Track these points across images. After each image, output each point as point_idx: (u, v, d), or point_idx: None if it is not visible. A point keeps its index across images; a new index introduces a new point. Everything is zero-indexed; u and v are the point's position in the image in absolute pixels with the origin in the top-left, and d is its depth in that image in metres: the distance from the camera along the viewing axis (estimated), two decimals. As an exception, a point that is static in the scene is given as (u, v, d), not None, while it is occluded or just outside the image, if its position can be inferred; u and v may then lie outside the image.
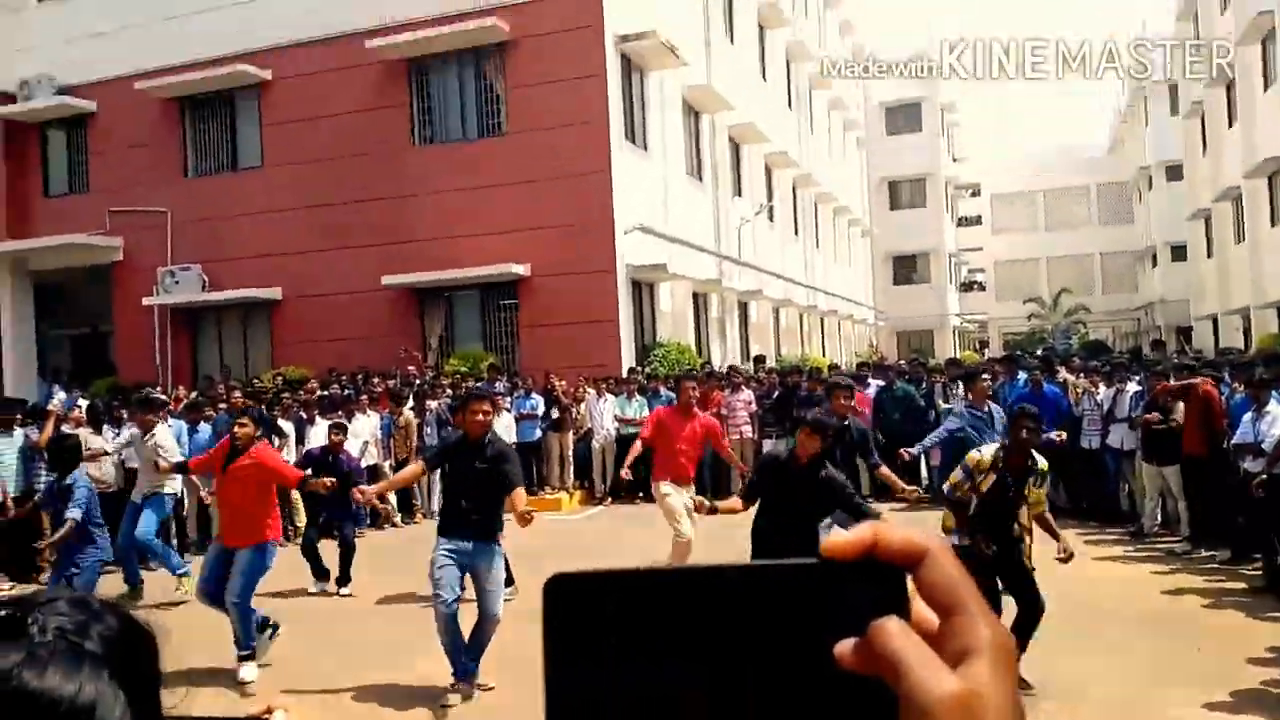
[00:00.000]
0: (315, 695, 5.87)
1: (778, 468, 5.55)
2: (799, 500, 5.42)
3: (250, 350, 17.95)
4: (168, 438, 9.18)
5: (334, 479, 7.06)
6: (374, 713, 5.57)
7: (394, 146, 16.72)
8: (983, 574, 5.58)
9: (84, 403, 12.76)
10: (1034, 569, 5.51)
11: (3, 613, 0.68)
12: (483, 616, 5.70)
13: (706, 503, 6.02)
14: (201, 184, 18.22)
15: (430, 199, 16.28)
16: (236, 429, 6.55)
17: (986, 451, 5.62)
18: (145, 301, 17.73)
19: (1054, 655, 5.65)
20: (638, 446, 7.57)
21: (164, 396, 11.50)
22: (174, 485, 9.12)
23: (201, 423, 10.92)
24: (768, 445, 12.60)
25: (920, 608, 0.44)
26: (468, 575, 5.74)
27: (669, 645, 0.43)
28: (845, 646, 0.42)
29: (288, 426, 11.60)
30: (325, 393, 13.09)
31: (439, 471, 6.65)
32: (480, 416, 5.75)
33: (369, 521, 11.15)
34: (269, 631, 6.57)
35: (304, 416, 11.89)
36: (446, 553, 5.62)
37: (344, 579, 8.60)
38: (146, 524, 8.67)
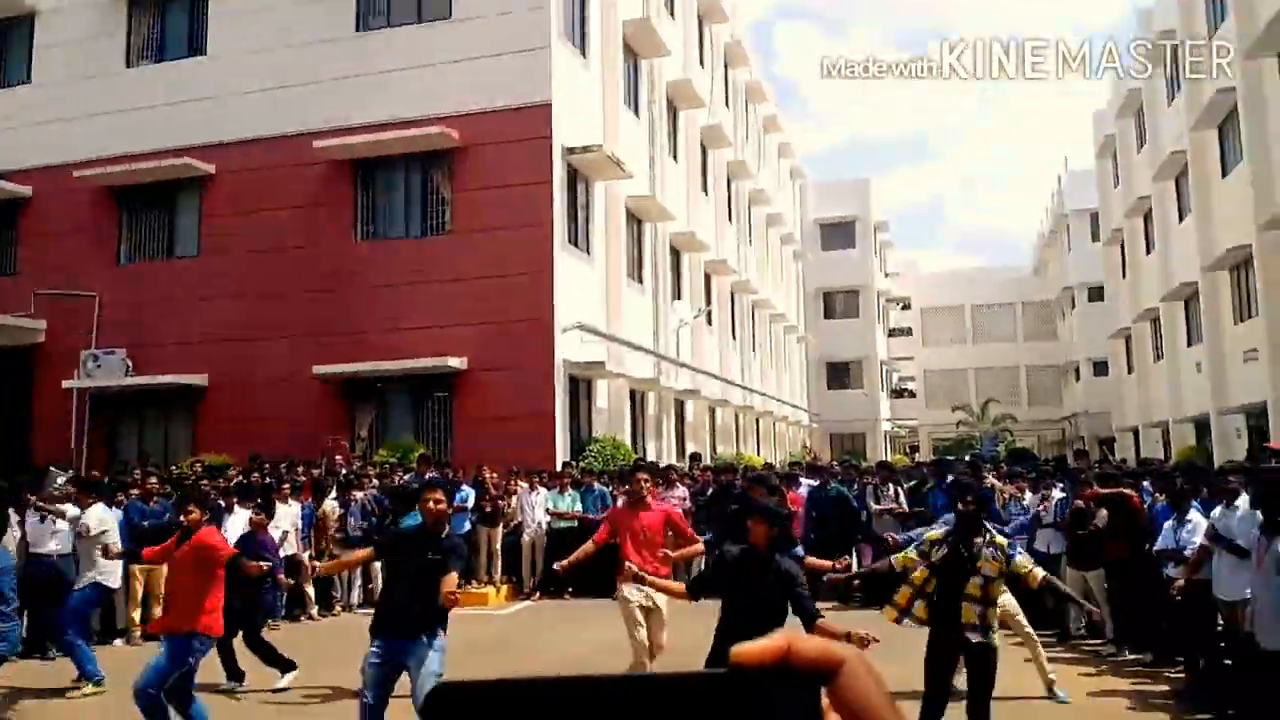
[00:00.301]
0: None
1: (736, 562, 5.17)
2: (762, 590, 5.00)
3: (171, 436, 17.39)
4: (98, 520, 8.78)
5: (263, 563, 6.87)
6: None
7: (335, 241, 16.68)
8: (941, 667, 5.53)
9: (-12, 485, 12.15)
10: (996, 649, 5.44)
11: None
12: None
13: (634, 569, 5.79)
14: (134, 270, 17.93)
15: (369, 292, 16.21)
16: (183, 518, 6.43)
17: (938, 530, 5.79)
18: (65, 384, 17.18)
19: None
20: (589, 547, 7.11)
21: (60, 475, 10.99)
22: (107, 575, 8.59)
23: (113, 507, 10.44)
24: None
25: None
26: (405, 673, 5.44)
27: None
28: None
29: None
30: (245, 480, 12.68)
31: (359, 568, 6.32)
32: (433, 505, 5.57)
33: (284, 613, 10.66)
34: None
35: (222, 504, 11.47)
36: (376, 652, 5.38)
37: (283, 665, 8.03)
38: (74, 620, 8.14)
